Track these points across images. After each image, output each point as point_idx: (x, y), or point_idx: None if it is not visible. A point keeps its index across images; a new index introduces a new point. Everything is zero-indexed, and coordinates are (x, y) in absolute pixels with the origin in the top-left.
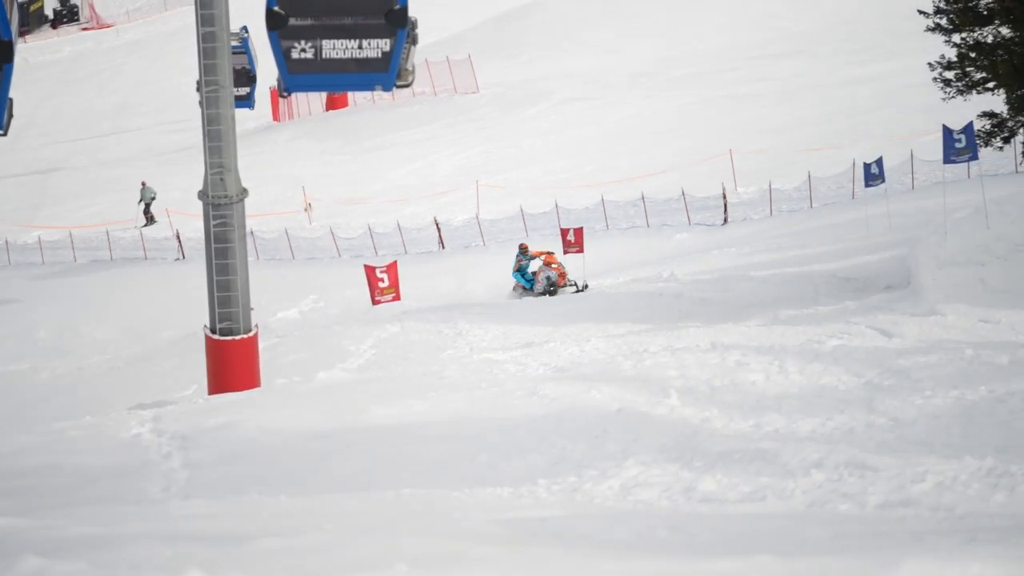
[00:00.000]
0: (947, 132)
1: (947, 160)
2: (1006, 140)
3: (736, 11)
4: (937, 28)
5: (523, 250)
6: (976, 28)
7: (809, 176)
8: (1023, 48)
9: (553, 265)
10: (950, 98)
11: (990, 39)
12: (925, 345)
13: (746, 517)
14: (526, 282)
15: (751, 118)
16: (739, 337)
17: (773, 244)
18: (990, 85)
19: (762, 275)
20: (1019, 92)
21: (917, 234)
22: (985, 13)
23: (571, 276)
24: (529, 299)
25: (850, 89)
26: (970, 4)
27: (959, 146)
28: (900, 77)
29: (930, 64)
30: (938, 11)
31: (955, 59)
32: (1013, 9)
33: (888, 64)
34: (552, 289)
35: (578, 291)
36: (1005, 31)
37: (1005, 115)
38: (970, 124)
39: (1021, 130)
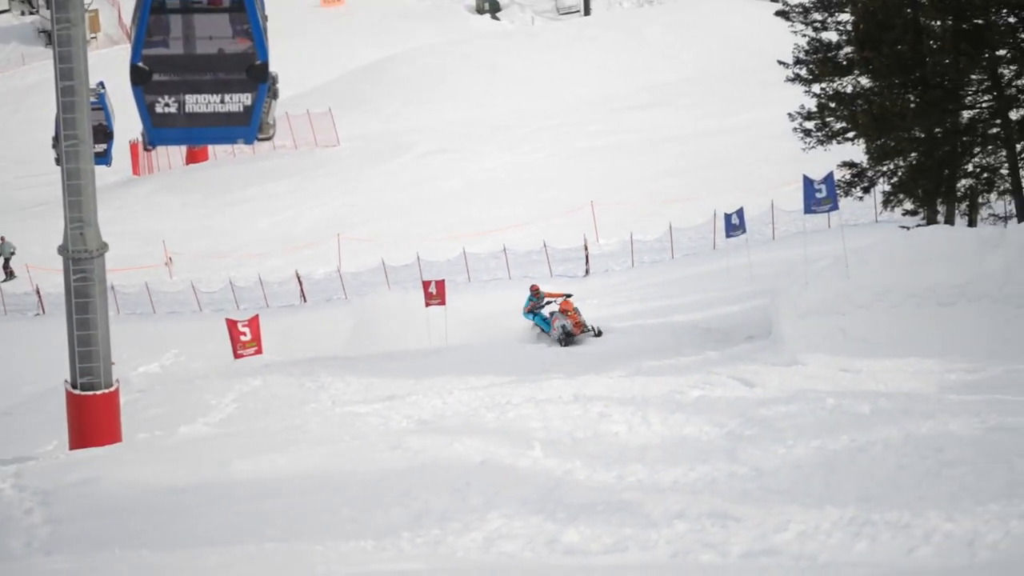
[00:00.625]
0: (808, 182)
1: (808, 210)
2: (866, 190)
3: (598, 64)
4: (797, 79)
5: (534, 292)
6: (835, 78)
7: (670, 227)
8: (882, 98)
9: (569, 312)
10: (810, 148)
11: (849, 89)
12: (787, 395)
13: (609, 568)
14: (544, 324)
15: (613, 169)
16: (601, 388)
17: (635, 295)
18: (850, 135)
19: (624, 326)
20: (879, 142)
21: (778, 284)
22: (844, 63)
23: (588, 322)
24: (438, 349)
25: (711, 140)
26: (829, 55)
27: (820, 196)
28: (761, 128)
29: (790, 114)
30: (798, 62)
31: (815, 109)
32: (872, 60)
33: (749, 115)
34: (567, 339)
35: (596, 336)
36: (864, 81)
37: (865, 165)
38: (830, 174)
39: (881, 180)
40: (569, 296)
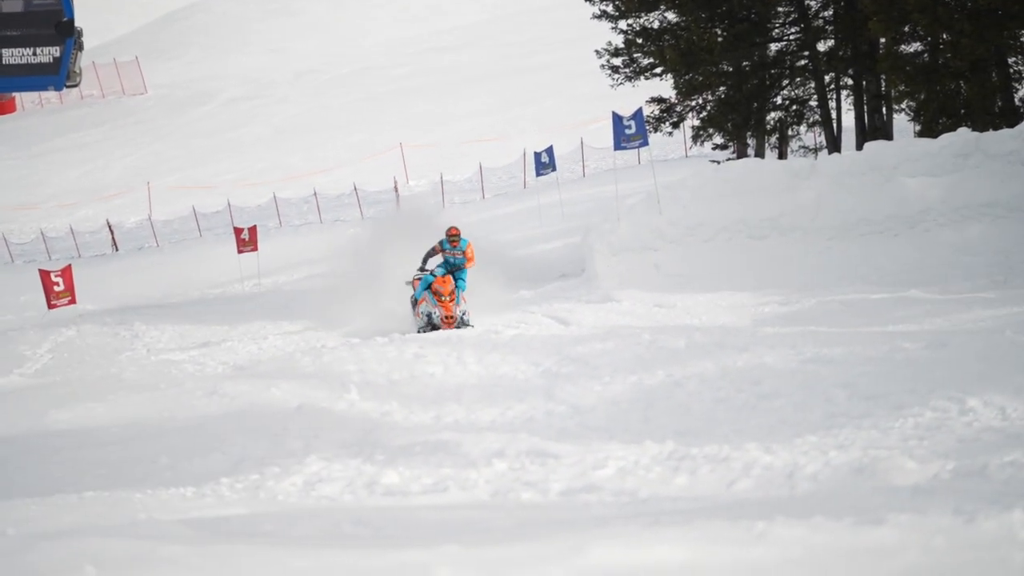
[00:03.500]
0: (617, 119)
1: (618, 147)
2: (675, 125)
3: (400, 6)
4: (603, 15)
5: (451, 239)
6: (642, 14)
7: (480, 167)
8: (689, 33)
9: (443, 297)
10: (618, 85)
11: (656, 24)
12: (602, 332)
13: (430, 508)
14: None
15: (419, 112)
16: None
17: None
18: (658, 71)
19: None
20: (687, 77)
21: (590, 221)
22: None
23: (462, 313)
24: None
25: (518, 79)
26: None
27: (629, 133)
28: (568, 66)
29: (597, 51)
30: None
31: (622, 46)
32: None
33: (555, 54)
34: (429, 328)
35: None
36: (671, 16)
37: (673, 100)
38: (639, 110)
39: (690, 115)
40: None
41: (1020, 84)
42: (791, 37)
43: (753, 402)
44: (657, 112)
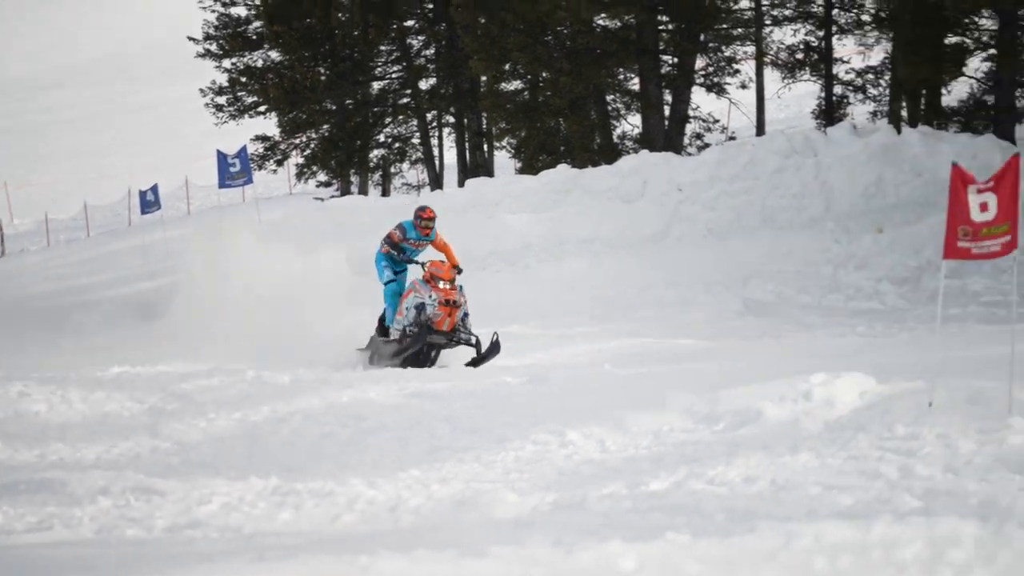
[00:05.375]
0: (221, 157)
1: (222, 185)
2: (279, 163)
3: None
4: (208, 54)
5: (423, 220)
6: (246, 53)
7: (85, 205)
8: (293, 72)
9: (444, 283)
10: (223, 123)
11: (260, 63)
12: (206, 369)
13: (34, 547)
14: (391, 300)
15: (22, 151)
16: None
17: (53, 274)
18: (262, 109)
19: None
20: (290, 115)
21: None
22: (254, 38)
23: (467, 321)
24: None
25: (124, 118)
26: (239, 29)
27: (234, 170)
28: (173, 105)
29: (202, 90)
30: (208, 37)
31: (226, 84)
32: (282, 34)
33: (161, 92)
34: (420, 347)
35: (477, 359)
36: (275, 55)
37: (278, 138)
38: (243, 148)
39: (294, 152)
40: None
41: (618, 121)
42: (394, 76)
43: (357, 437)
44: (262, 150)
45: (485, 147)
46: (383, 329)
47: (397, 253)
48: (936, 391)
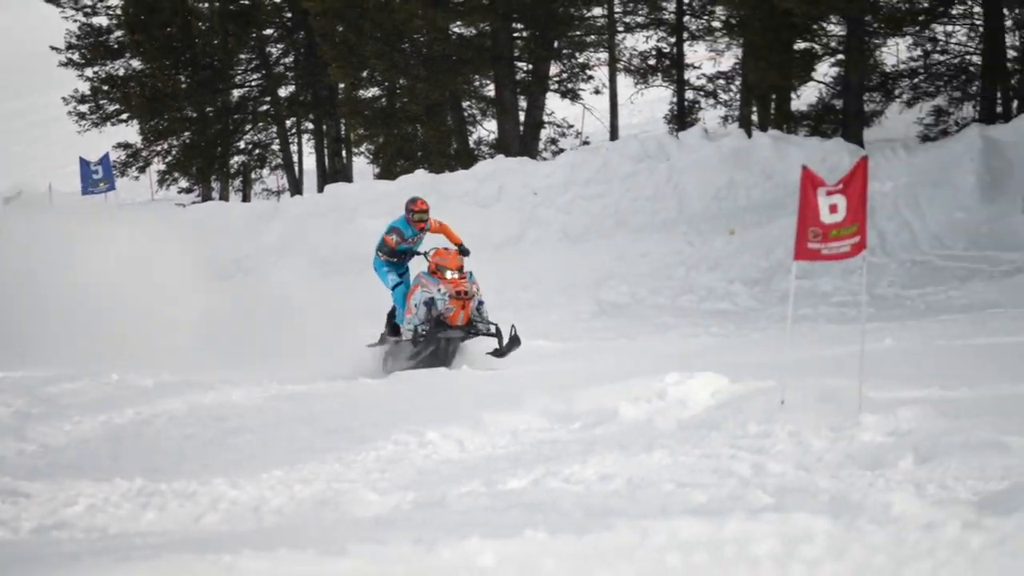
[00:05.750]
0: (84, 164)
1: (85, 191)
2: (142, 169)
3: None
4: (70, 63)
5: (415, 213)
6: (108, 61)
7: None
8: (154, 80)
9: (452, 273)
10: (86, 131)
11: (122, 72)
12: (71, 372)
13: None
14: (398, 293)
15: None
16: None
17: None
18: (124, 117)
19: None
20: (152, 123)
21: None
22: (116, 47)
23: (482, 309)
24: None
25: None
26: (101, 39)
27: (97, 177)
28: (36, 113)
29: (64, 98)
30: (70, 46)
31: (89, 93)
32: (142, 43)
33: (23, 101)
34: (425, 341)
35: (500, 351)
36: (136, 64)
37: (140, 145)
38: (106, 155)
39: (156, 159)
40: (465, 252)
41: (474, 127)
42: (254, 83)
43: (220, 438)
44: (124, 157)
45: (343, 153)
46: (394, 327)
47: (397, 258)
48: (788, 390)
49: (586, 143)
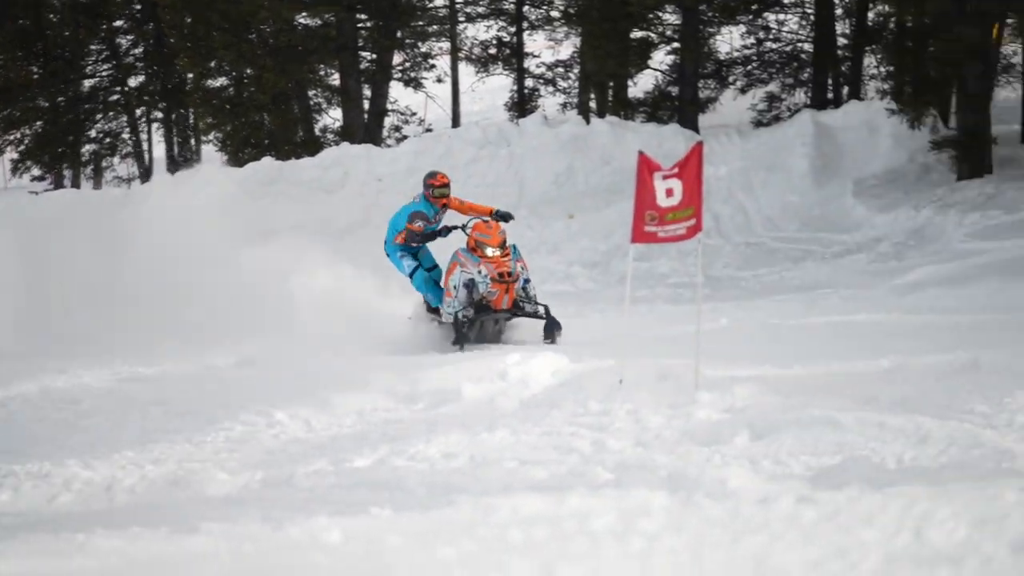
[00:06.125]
0: None
1: None
2: None
3: None
4: None
5: (437, 190)
6: None
7: None
8: (6, 70)
9: (493, 250)
10: None
11: None
12: None
13: None
14: (430, 289)
15: None
16: None
17: None
18: None
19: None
20: (5, 112)
21: None
22: None
23: (529, 287)
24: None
25: None
26: None
27: None
28: None
29: None
30: None
31: None
32: None
33: None
34: (475, 319)
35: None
36: None
37: None
38: None
39: (9, 148)
40: (504, 218)
41: (320, 115)
42: (104, 74)
43: (73, 420)
44: None
45: (193, 141)
46: (432, 308)
47: (418, 241)
48: (626, 369)
49: (429, 130)
